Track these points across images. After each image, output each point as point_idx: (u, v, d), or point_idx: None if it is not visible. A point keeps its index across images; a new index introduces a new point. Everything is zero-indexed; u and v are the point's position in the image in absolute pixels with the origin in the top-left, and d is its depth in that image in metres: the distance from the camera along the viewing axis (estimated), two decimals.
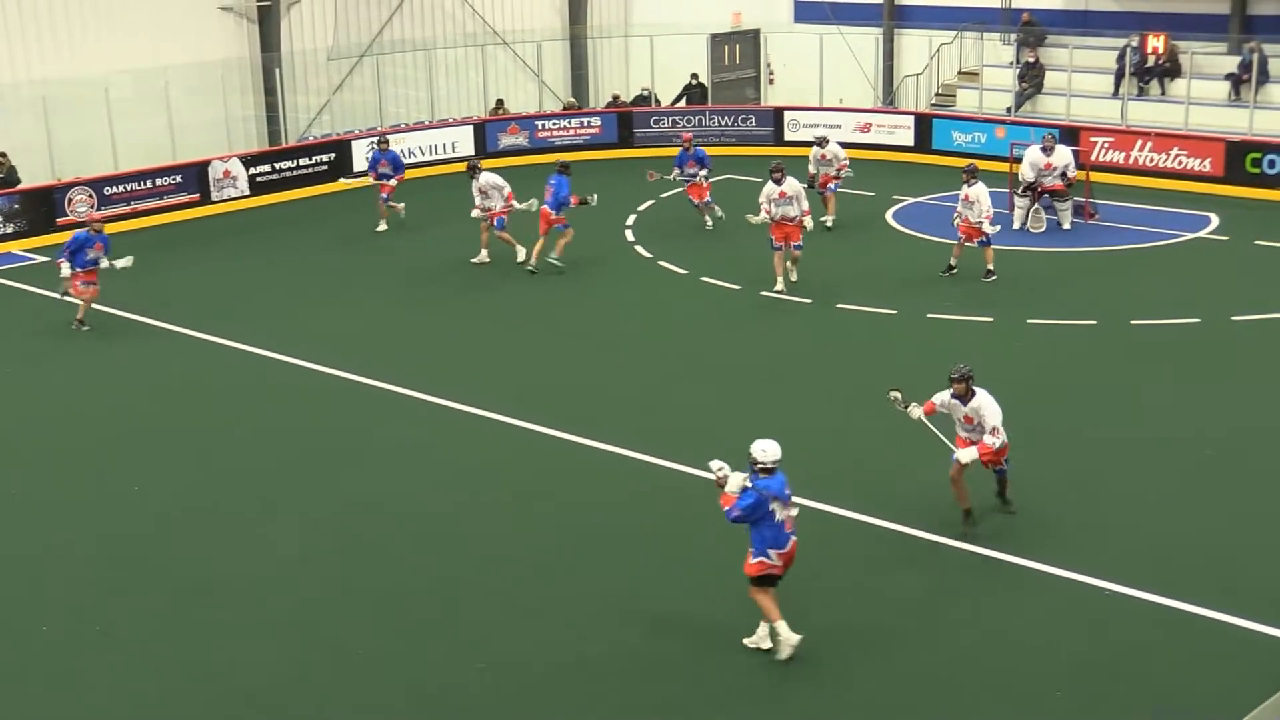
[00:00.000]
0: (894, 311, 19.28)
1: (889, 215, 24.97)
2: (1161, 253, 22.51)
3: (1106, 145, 27.21)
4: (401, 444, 15.29)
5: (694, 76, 32.45)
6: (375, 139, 26.11)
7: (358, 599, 11.94)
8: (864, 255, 21.70)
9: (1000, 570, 12.11)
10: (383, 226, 24.80)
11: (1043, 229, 23.45)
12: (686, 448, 14.59)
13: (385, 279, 21.91)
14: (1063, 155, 23.57)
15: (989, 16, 32.44)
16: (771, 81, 35.02)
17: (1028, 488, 13.23)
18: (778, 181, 19.93)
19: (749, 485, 10.48)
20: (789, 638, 10.71)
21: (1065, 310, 19.21)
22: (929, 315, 19.05)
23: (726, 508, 10.51)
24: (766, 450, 10.53)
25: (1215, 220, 24.16)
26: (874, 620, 11.37)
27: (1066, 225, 23.63)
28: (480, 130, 30.48)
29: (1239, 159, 25.89)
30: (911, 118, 30.32)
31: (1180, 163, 26.58)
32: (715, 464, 10.67)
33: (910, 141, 29.95)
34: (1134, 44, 28.96)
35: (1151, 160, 26.86)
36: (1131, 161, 27.03)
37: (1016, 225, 23.63)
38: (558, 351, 18.39)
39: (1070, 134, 27.46)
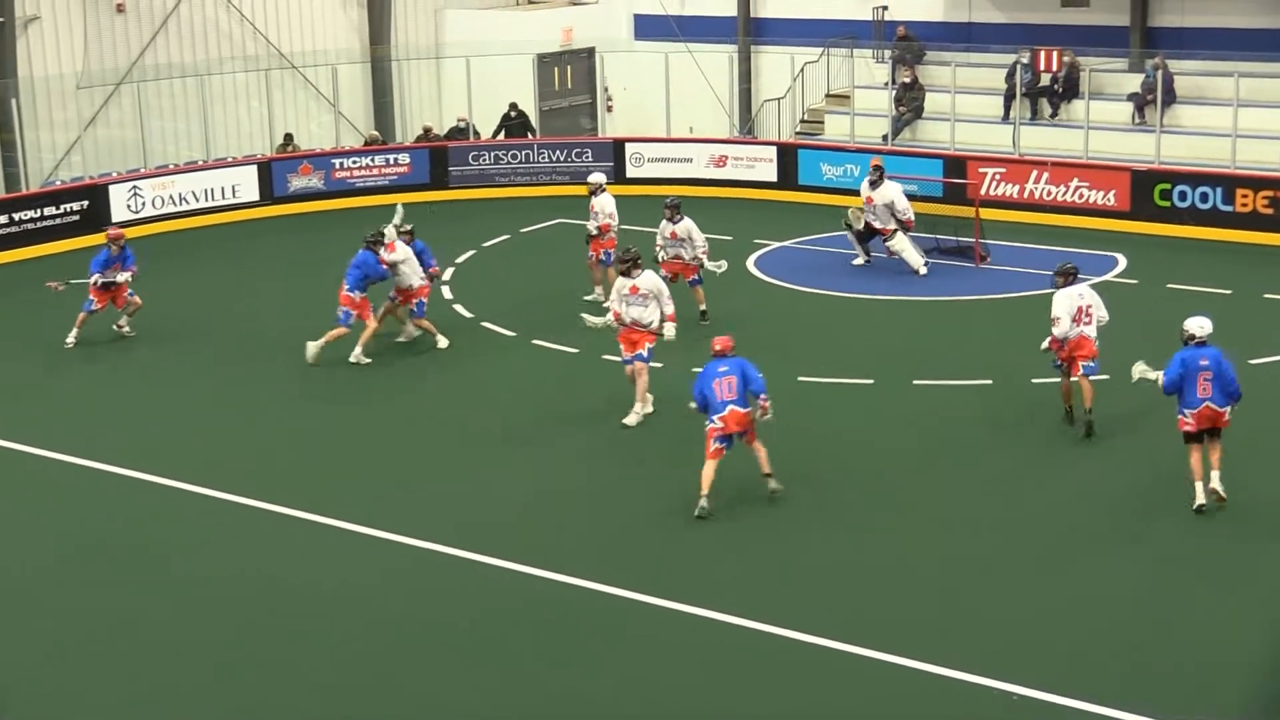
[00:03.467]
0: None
1: (750, 263, 25.16)
2: None
3: (997, 177, 27.80)
4: (174, 543, 14.98)
5: (513, 106, 32.41)
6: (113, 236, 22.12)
7: None
8: (724, 310, 21.77)
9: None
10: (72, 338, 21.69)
11: (860, 263, 24.51)
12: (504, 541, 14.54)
13: (143, 349, 21.60)
14: (888, 191, 23.99)
15: (859, 30, 33.05)
16: (610, 109, 35.21)
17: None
18: (627, 274, 18.12)
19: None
20: (1199, 495, 14.94)
21: (955, 369, 19.50)
22: (800, 379, 19.19)
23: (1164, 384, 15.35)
24: (1203, 325, 15.24)
25: (1123, 261, 24.78)
26: None
27: (919, 269, 24.03)
28: (266, 171, 30.10)
29: (1146, 191, 26.64)
30: (773, 149, 30.66)
31: (1081, 196, 27.26)
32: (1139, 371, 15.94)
33: (772, 176, 30.27)
34: (1024, 60, 29.69)
35: (1049, 194, 27.51)
36: (1026, 195, 27.65)
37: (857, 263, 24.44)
38: (370, 435, 18.20)
39: (956, 165, 28.05)
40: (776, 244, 26.55)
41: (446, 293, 23.81)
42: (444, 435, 18.06)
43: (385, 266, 20.44)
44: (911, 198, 25.92)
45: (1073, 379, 17.35)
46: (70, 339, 21.59)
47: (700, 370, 15.91)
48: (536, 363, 20.61)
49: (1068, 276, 17.43)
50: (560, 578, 14.02)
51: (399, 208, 21.62)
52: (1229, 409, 15.13)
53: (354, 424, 18.54)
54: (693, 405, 15.91)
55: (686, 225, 21.46)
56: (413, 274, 20.67)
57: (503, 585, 14.03)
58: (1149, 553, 14.40)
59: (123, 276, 21.60)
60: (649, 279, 18.26)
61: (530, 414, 18.63)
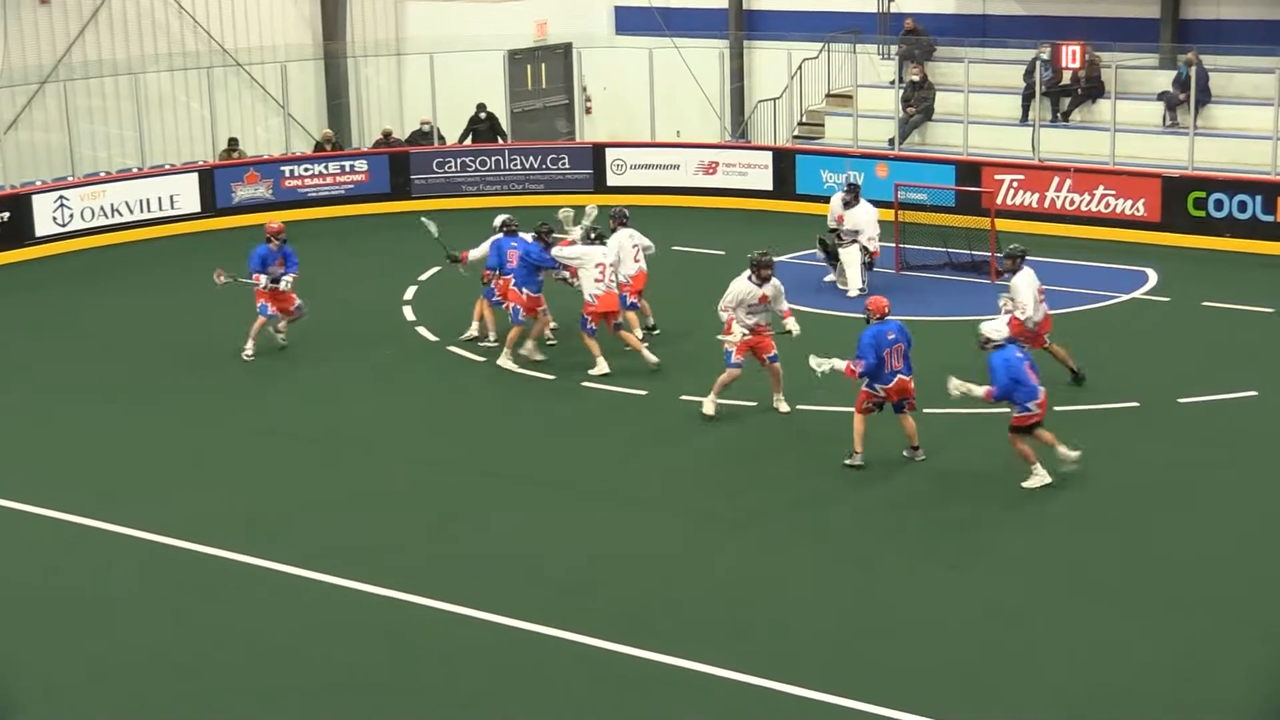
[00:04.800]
0: (754, 404, 19.44)
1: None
2: (1087, 319, 23.04)
3: (1015, 185, 27.91)
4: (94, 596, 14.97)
5: (481, 108, 32.46)
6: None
7: None
8: (715, 332, 21.81)
9: None
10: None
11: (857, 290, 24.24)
12: (484, 590, 14.55)
13: (83, 371, 21.62)
14: (860, 217, 23.99)
15: (863, 24, 33.17)
16: (589, 110, 35.28)
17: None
18: (763, 279, 18.67)
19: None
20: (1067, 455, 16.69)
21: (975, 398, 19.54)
22: (800, 407, 19.23)
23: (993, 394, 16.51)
24: (999, 329, 16.78)
25: (1153, 277, 24.87)
26: None
27: (851, 291, 23.92)
28: (208, 179, 30.12)
29: (1179, 199, 26.76)
30: (769, 154, 30.79)
31: (1107, 205, 27.37)
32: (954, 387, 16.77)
33: (768, 184, 30.38)
34: (1045, 56, 29.82)
35: (1071, 203, 27.62)
36: (1047, 205, 27.76)
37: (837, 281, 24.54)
38: (317, 467, 18.23)
39: (969, 171, 28.16)
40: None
41: (409, 314, 23.84)
42: (411, 472, 18.04)
43: (550, 257, 20.89)
44: (921, 208, 26.11)
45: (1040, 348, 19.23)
46: (247, 350, 21.78)
47: (866, 331, 17.17)
48: (508, 390, 20.62)
49: (1017, 259, 19.25)
50: (534, 627, 14.02)
51: (589, 210, 22.39)
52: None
53: (304, 458, 18.51)
54: (819, 366, 17.45)
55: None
56: (585, 278, 20.86)
57: (475, 637, 14.02)
58: (1162, 589, 14.50)
59: (286, 282, 21.55)
60: (774, 284, 18.89)
61: (505, 447, 18.66)
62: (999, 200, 27.13)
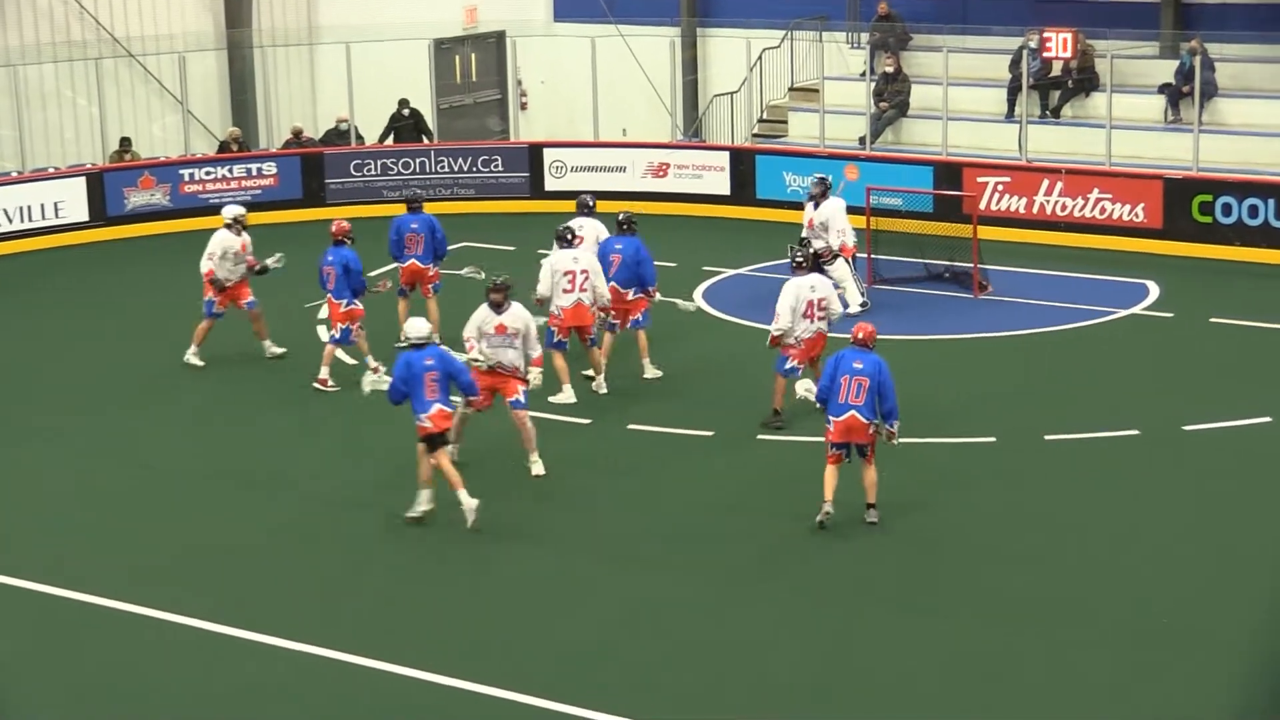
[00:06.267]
0: (710, 433, 19.39)
1: (698, 294, 25.16)
2: (1082, 337, 23.07)
3: (1000, 188, 27.92)
4: None
5: (403, 104, 32.36)
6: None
7: None
8: (668, 353, 21.76)
9: None
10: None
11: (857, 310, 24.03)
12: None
13: None
14: (826, 209, 23.55)
15: (830, 8, 33.21)
16: (524, 106, 35.21)
17: None
18: (495, 306, 18.24)
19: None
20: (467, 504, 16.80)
21: (951, 423, 19.56)
22: (760, 437, 19.18)
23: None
24: (418, 327, 17.08)
25: (1155, 290, 24.91)
26: None
27: (853, 307, 23.19)
28: (97, 184, 29.95)
29: (1183, 203, 26.83)
30: (726, 154, 30.78)
31: (1103, 210, 27.41)
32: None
33: (725, 188, 30.35)
34: (1032, 44, 29.87)
35: (1063, 208, 27.66)
36: (1036, 210, 27.79)
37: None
38: (221, 504, 18.09)
39: (950, 172, 28.16)
40: (730, 271, 26.56)
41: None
42: (337, 519, 18.00)
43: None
44: (895, 214, 26.05)
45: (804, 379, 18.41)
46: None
47: (832, 357, 16.74)
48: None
49: (802, 266, 19.49)
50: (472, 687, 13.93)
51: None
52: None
53: (206, 493, 18.40)
54: (809, 391, 16.99)
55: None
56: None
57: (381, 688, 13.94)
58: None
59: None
60: (518, 313, 18.30)
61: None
62: (982, 205, 27.17)
